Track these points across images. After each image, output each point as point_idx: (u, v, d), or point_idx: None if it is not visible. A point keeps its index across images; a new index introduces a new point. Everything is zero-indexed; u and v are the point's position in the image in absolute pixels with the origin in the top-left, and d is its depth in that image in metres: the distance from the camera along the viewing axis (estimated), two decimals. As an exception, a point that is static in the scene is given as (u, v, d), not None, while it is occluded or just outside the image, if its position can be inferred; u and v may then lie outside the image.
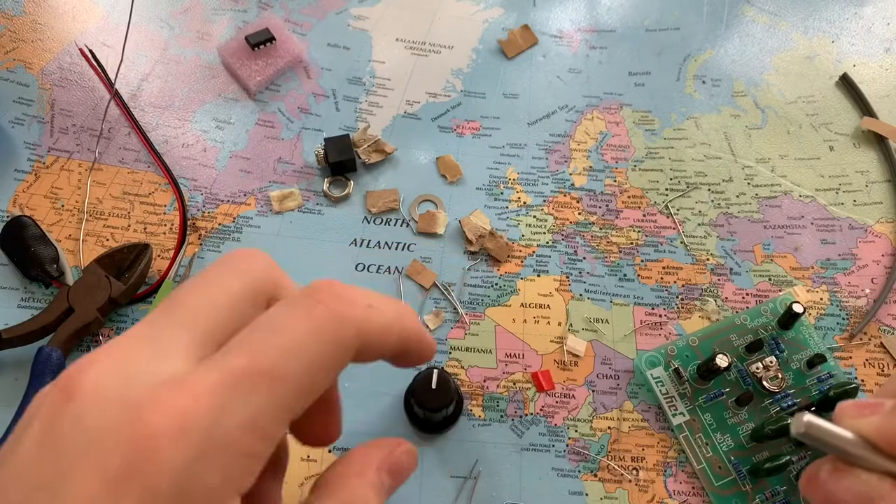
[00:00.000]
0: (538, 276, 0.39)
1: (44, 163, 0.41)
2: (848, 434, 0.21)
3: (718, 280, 0.39)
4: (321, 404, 0.21)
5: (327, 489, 0.21)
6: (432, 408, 0.32)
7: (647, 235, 0.41)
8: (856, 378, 0.36)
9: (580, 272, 0.39)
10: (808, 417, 0.21)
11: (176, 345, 0.18)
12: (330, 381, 0.19)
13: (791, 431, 0.22)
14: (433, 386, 0.33)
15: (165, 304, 0.19)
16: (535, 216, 0.41)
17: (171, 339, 0.18)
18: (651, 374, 0.35)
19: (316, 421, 0.23)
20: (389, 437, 0.24)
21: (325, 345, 0.18)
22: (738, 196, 0.42)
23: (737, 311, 0.38)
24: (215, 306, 0.19)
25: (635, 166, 0.43)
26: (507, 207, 0.42)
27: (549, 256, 0.40)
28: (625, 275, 0.39)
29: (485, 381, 0.36)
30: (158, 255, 0.39)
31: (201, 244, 0.40)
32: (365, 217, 0.41)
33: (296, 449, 0.28)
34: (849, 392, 0.32)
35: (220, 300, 0.20)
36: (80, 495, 0.15)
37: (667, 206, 0.42)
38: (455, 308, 0.38)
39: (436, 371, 0.33)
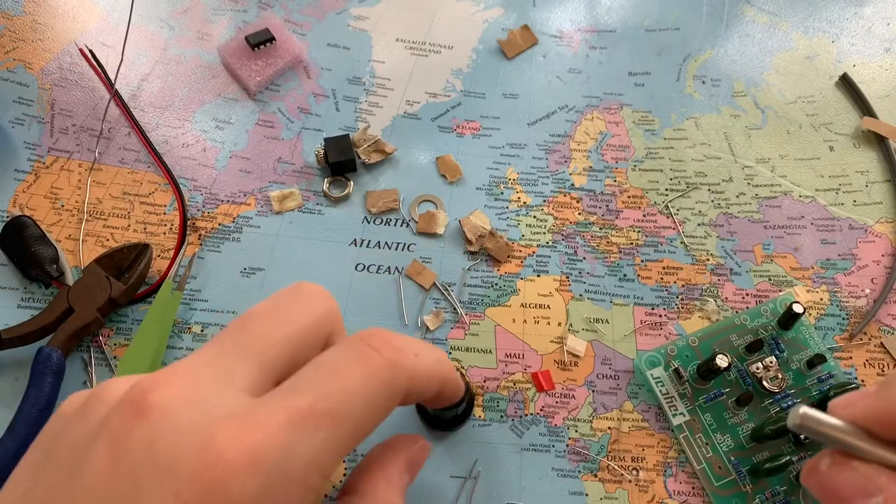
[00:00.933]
0: (538, 276, 0.39)
1: (44, 163, 0.41)
2: (842, 423, 0.21)
3: (718, 280, 0.39)
4: None
5: (357, 495, 0.22)
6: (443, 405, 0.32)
7: (647, 235, 0.41)
8: (856, 378, 0.36)
9: (580, 272, 0.39)
10: (804, 409, 0.21)
11: (242, 374, 0.19)
12: (380, 422, 0.20)
13: (788, 423, 0.21)
14: None
15: (235, 328, 0.21)
16: (535, 216, 0.41)
17: (238, 368, 0.19)
18: (651, 375, 0.35)
19: None
20: (405, 435, 0.26)
21: (380, 389, 0.20)
22: (738, 196, 0.42)
23: (737, 312, 0.38)
24: (281, 339, 0.20)
25: (635, 166, 0.43)
26: (507, 207, 0.42)
27: (549, 256, 0.40)
28: (625, 275, 0.39)
29: (485, 381, 0.36)
30: (158, 255, 0.39)
31: (201, 244, 0.40)
32: (365, 217, 0.41)
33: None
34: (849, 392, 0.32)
35: (286, 334, 0.21)
36: None
37: (667, 207, 0.42)
38: (455, 308, 0.38)
39: None
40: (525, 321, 0.38)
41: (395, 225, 0.41)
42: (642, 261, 0.40)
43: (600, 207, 0.42)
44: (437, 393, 0.23)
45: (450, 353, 0.37)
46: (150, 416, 0.17)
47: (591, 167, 0.43)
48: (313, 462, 0.18)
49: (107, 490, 0.17)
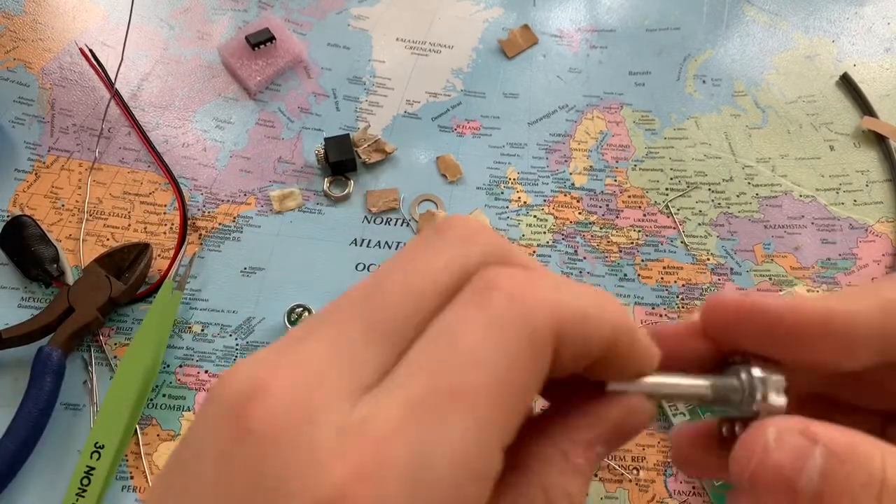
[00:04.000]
0: (538, 275, 0.39)
1: (44, 162, 0.41)
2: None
3: (719, 280, 0.39)
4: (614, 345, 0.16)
5: (523, 471, 0.17)
6: None
7: (647, 235, 0.41)
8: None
9: (580, 272, 0.39)
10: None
11: (365, 368, 0.15)
12: (537, 385, 0.15)
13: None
14: None
15: (362, 296, 0.16)
16: (535, 216, 0.41)
17: (362, 360, 0.15)
18: (651, 374, 0.35)
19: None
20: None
21: (512, 340, 0.14)
22: (738, 196, 0.42)
23: (737, 311, 0.38)
24: (417, 310, 0.15)
25: (635, 166, 0.43)
26: (507, 207, 0.42)
27: (550, 256, 0.40)
28: (625, 274, 0.39)
29: (485, 380, 0.36)
30: (158, 255, 0.39)
31: (201, 244, 0.39)
32: (365, 217, 0.41)
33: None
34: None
35: (423, 301, 0.16)
36: None
37: (667, 206, 0.42)
38: (455, 308, 0.38)
39: None
40: (525, 321, 0.38)
41: (395, 224, 0.41)
42: (642, 260, 0.40)
43: (600, 207, 0.42)
44: (611, 345, 0.16)
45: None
46: (253, 436, 0.14)
47: (591, 167, 0.43)
48: (456, 459, 0.13)
49: None
